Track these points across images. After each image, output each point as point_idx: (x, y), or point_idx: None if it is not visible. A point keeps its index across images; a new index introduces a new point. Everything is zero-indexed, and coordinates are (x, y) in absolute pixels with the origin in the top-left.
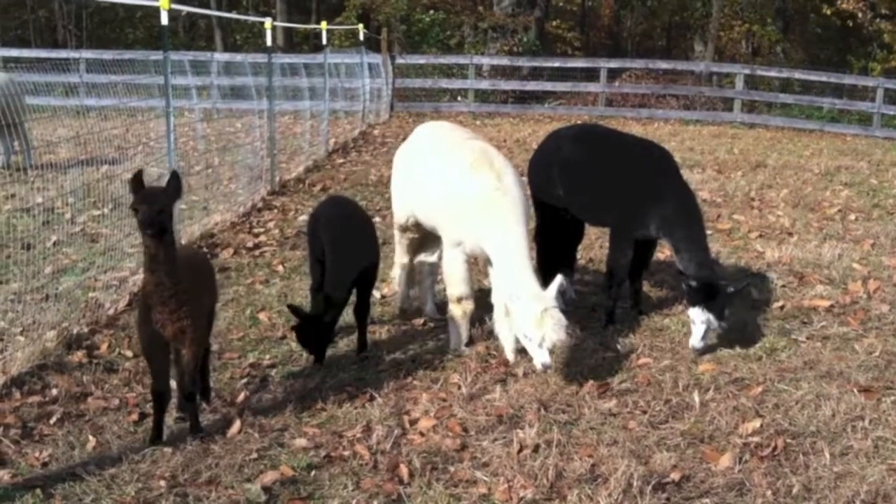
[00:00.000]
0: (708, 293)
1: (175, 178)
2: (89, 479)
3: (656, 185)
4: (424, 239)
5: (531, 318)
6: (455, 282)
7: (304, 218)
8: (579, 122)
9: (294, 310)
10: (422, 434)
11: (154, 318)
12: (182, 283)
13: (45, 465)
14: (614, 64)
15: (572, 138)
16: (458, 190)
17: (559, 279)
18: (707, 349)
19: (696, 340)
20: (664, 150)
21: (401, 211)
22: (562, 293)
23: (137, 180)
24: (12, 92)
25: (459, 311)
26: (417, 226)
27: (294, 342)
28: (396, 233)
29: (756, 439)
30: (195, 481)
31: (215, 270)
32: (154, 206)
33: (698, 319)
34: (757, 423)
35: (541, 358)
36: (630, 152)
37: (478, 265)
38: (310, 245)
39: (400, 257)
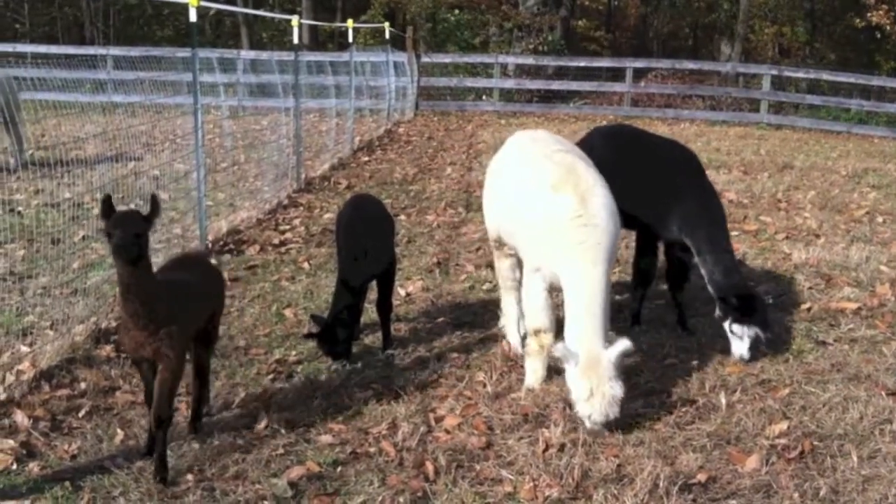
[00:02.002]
0: (750, 307)
1: (154, 200)
2: (117, 473)
3: (678, 185)
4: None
5: (580, 393)
6: (533, 312)
7: (330, 216)
8: (605, 121)
9: (315, 319)
10: (447, 432)
11: (128, 342)
12: (158, 310)
13: (73, 457)
14: (640, 64)
15: (604, 136)
16: (535, 211)
17: (625, 343)
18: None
19: (743, 351)
20: (689, 150)
21: (490, 226)
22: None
23: (107, 203)
24: (6, 89)
25: (536, 344)
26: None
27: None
28: (493, 253)
29: (783, 441)
30: (222, 476)
31: (223, 276)
32: (129, 229)
33: (744, 334)
34: (784, 425)
35: (587, 426)
36: (654, 152)
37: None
38: (337, 242)
39: (505, 291)
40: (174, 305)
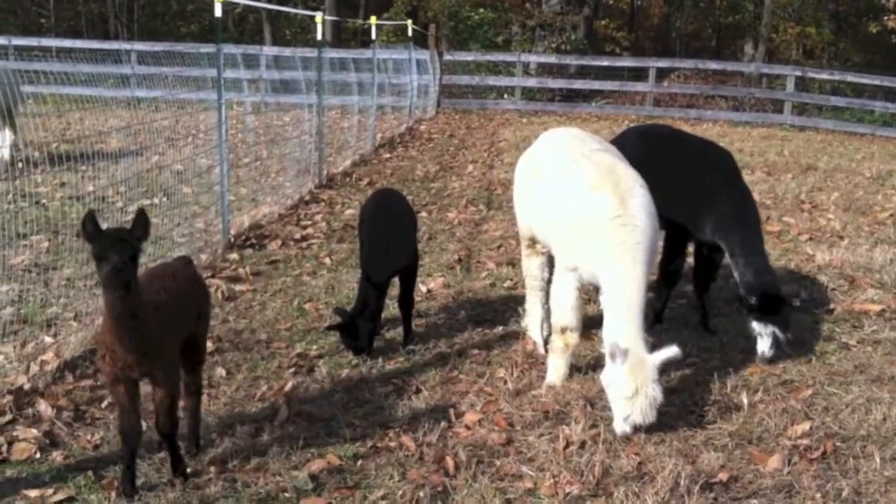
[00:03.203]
0: (771, 306)
1: (142, 215)
2: (140, 463)
3: (713, 186)
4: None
5: (624, 391)
6: (562, 310)
7: (351, 212)
8: (627, 121)
9: (339, 312)
10: (468, 427)
11: (112, 365)
12: (149, 332)
13: (96, 447)
14: (663, 63)
15: (639, 136)
16: (573, 211)
17: (673, 350)
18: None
19: (766, 349)
20: (725, 151)
21: (521, 223)
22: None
23: (92, 221)
24: (4, 81)
25: (561, 342)
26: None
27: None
28: (523, 251)
29: (805, 442)
30: (243, 467)
31: (207, 289)
32: (125, 252)
33: (764, 332)
34: (806, 426)
35: (620, 427)
36: (690, 153)
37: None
38: (360, 237)
39: (531, 291)
40: (163, 323)
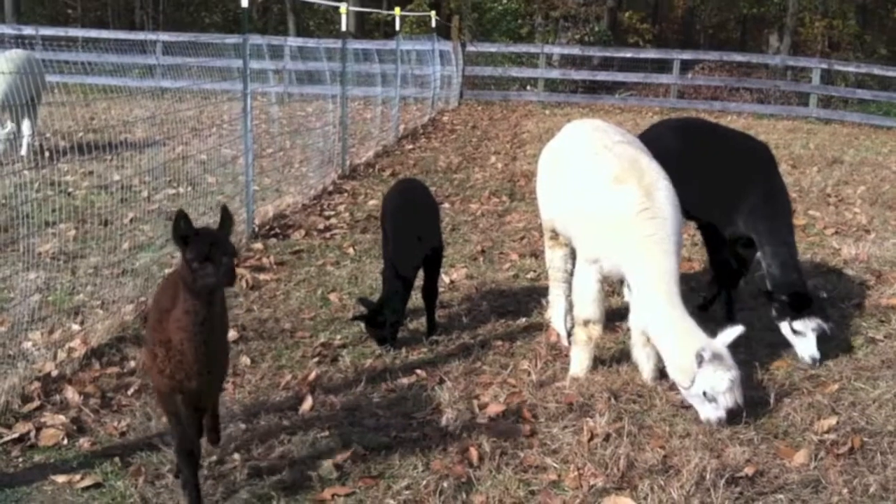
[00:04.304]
0: (803, 301)
1: (226, 213)
2: (166, 450)
3: (745, 179)
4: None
5: (721, 385)
6: (584, 302)
7: (374, 202)
8: (650, 113)
9: (363, 302)
10: (491, 419)
11: (179, 375)
12: (219, 343)
13: (122, 434)
14: (687, 55)
15: (671, 129)
16: (597, 205)
17: (739, 329)
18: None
19: (813, 351)
20: (760, 143)
21: (544, 215)
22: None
23: (185, 220)
24: (29, 70)
25: (584, 335)
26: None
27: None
28: (546, 242)
29: (832, 437)
30: (268, 456)
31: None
32: (231, 254)
33: (807, 329)
34: (833, 421)
35: (718, 415)
36: (723, 145)
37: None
38: (382, 227)
39: (555, 282)
40: (223, 330)
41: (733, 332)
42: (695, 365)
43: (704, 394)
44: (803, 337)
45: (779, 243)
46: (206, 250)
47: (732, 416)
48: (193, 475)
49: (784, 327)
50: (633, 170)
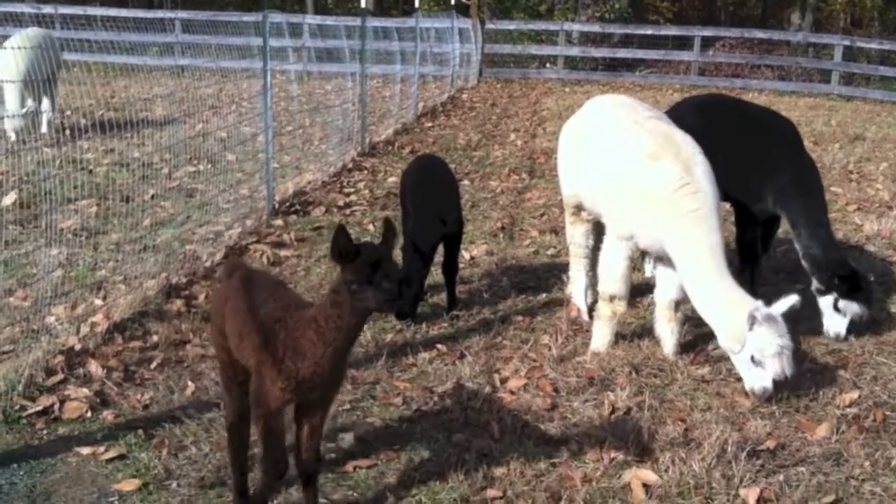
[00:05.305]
0: (854, 285)
1: (390, 227)
2: (188, 423)
3: (774, 156)
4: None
5: (771, 349)
6: (611, 278)
7: (394, 180)
8: (671, 91)
9: None
10: (512, 393)
11: (305, 386)
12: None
13: (146, 407)
14: (708, 32)
15: (695, 107)
16: (632, 182)
17: (794, 298)
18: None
19: (841, 329)
20: (787, 121)
21: (567, 191)
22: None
23: (346, 237)
24: (46, 47)
25: (609, 310)
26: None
27: None
28: (567, 219)
29: (854, 410)
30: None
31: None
32: (399, 278)
33: (848, 311)
34: (855, 395)
35: (764, 384)
36: (750, 122)
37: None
38: (402, 203)
39: (576, 258)
40: None
41: (788, 301)
42: (746, 327)
43: (752, 358)
44: (841, 316)
45: (815, 224)
46: (369, 272)
47: (779, 390)
48: (271, 489)
49: (826, 301)
50: (669, 145)
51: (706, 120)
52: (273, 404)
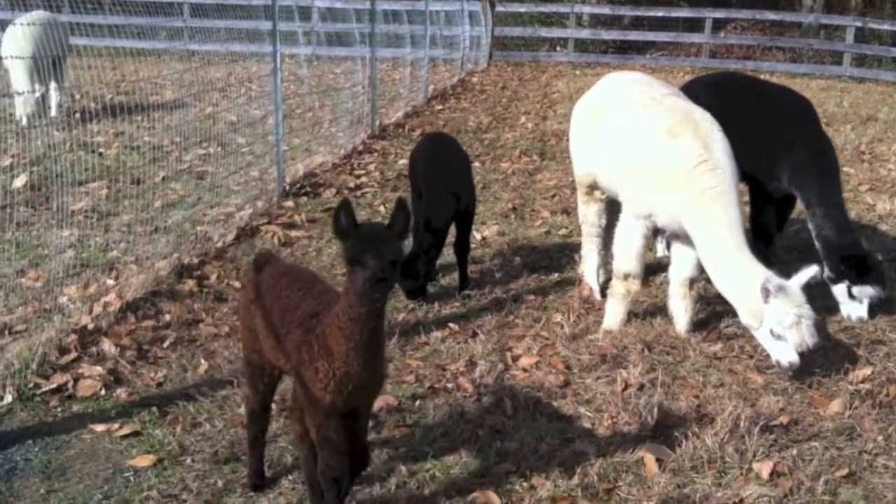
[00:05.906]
0: (866, 267)
1: (402, 208)
2: (202, 400)
3: (790, 134)
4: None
5: (788, 321)
6: (627, 257)
7: (404, 162)
8: (682, 73)
9: None
10: (524, 370)
11: (345, 391)
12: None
13: (159, 385)
14: (719, 14)
15: (709, 85)
16: (651, 159)
17: (814, 269)
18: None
19: (863, 313)
20: (803, 99)
21: (580, 170)
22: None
23: (347, 212)
24: (51, 27)
25: (623, 289)
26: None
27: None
28: (580, 198)
29: (866, 386)
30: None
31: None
32: (386, 256)
33: (864, 296)
34: (868, 371)
35: (789, 357)
36: (764, 100)
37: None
38: (412, 182)
39: (588, 237)
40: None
41: (807, 272)
42: (762, 302)
43: (771, 332)
44: (858, 302)
45: (830, 205)
46: (357, 252)
47: (806, 362)
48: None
49: (839, 289)
50: (688, 122)
51: (720, 98)
52: (320, 412)
